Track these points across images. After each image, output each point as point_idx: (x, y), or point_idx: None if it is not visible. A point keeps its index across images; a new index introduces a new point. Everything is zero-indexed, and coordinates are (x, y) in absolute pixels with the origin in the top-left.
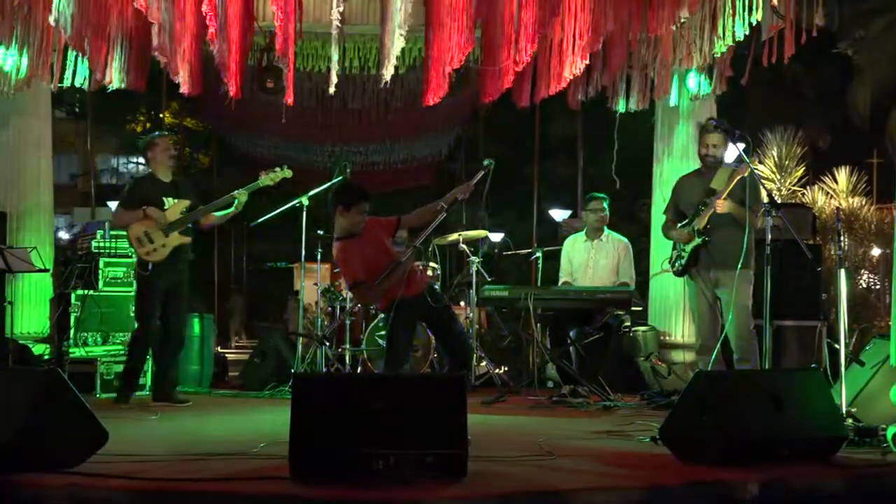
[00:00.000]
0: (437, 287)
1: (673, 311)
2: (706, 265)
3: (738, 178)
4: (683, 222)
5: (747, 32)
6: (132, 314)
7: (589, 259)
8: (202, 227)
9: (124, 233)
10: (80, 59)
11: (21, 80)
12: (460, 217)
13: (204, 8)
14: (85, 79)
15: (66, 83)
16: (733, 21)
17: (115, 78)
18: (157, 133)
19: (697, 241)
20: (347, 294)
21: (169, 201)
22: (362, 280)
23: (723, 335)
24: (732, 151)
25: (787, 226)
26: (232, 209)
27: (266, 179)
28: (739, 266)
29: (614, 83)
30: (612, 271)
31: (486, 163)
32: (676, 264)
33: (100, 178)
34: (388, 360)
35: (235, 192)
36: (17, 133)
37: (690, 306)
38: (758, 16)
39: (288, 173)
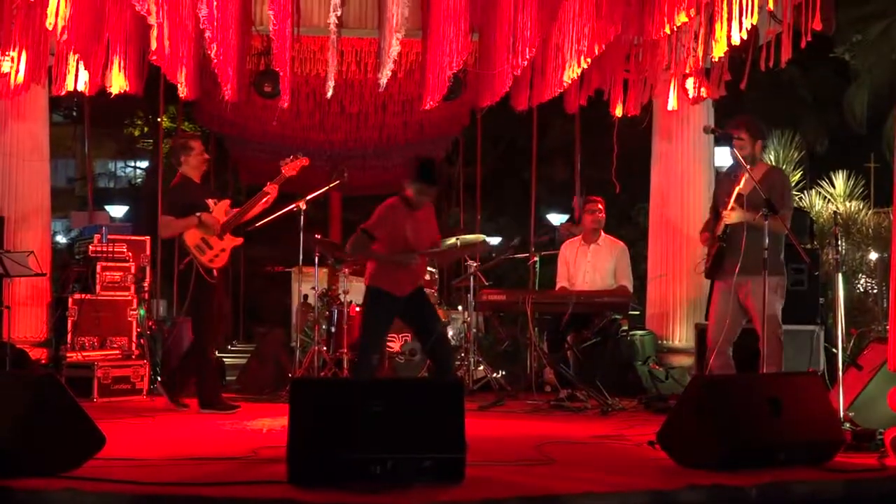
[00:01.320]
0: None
1: (670, 315)
2: (731, 270)
3: (745, 183)
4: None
5: (744, 37)
6: (193, 322)
7: (586, 263)
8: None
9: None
10: (78, 63)
11: (19, 84)
12: (457, 221)
13: (201, 12)
14: (85, 83)
15: (69, 87)
16: (730, 25)
17: (113, 82)
18: (190, 135)
19: (716, 245)
20: (345, 299)
21: (210, 204)
22: (375, 235)
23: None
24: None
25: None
26: (263, 202)
27: (288, 170)
28: (766, 272)
29: (612, 87)
30: (609, 275)
31: (514, 243)
32: (701, 266)
33: (97, 182)
34: (362, 349)
35: (268, 185)
36: (15, 137)
37: (713, 307)
38: (754, 20)
39: (304, 161)
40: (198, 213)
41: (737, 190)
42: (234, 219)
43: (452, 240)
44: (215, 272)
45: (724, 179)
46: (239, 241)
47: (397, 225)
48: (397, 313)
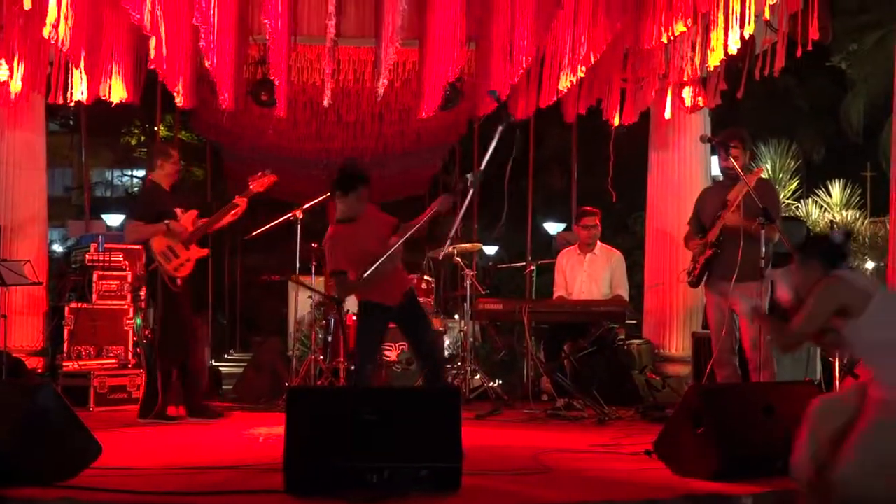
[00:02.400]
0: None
1: (667, 324)
2: (720, 277)
3: (746, 188)
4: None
5: (740, 46)
6: (149, 328)
7: (583, 272)
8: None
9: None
10: (76, 72)
11: (16, 93)
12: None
13: (198, 21)
14: (82, 93)
15: (67, 96)
16: (726, 34)
17: (112, 91)
18: (169, 141)
19: (709, 252)
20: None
21: (179, 212)
22: (343, 270)
23: (737, 345)
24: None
25: (782, 239)
26: (231, 214)
27: (256, 186)
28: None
29: (609, 96)
30: (605, 284)
31: (467, 176)
32: (691, 275)
33: (94, 191)
34: (357, 359)
35: (236, 198)
36: (12, 146)
37: (709, 318)
38: (751, 29)
39: (272, 178)
40: (166, 221)
41: (739, 196)
42: (202, 229)
43: (448, 248)
44: (179, 281)
45: (712, 189)
46: (205, 252)
47: (347, 246)
48: (391, 321)
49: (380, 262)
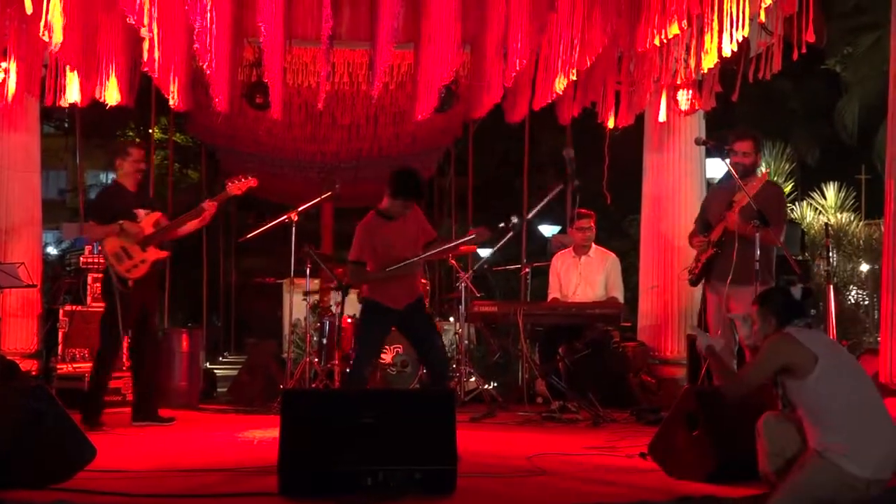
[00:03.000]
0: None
1: (662, 327)
2: (720, 278)
3: (755, 189)
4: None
5: (735, 49)
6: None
7: (577, 275)
8: (174, 237)
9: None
10: (70, 74)
11: (11, 95)
12: (449, 233)
13: (193, 23)
14: (77, 95)
15: (62, 99)
16: (720, 37)
17: (108, 94)
18: (130, 140)
19: (710, 252)
20: (336, 311)
21: (140, 214)
22: (363, 261)
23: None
24: (720, 167)
25: (780, 245)
26: (198, 219)
27: (233, 188)
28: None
29: (603, 99)
30: (600, 286)
31: (512, 218)
32: (691, 273)
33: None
34: (356, 359)
35: (205, 202)
36: (6, 148)
37: (709, 318)
38: (745, 32)
39: (252, 182)
40: (120, 221)
41: (743, 198)
42: (162, 232)
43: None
44: (130, 282)
45: (719, 190)
46: (163, 254)
47: (377, 240)
48: (394, 325)
49: (402, 265)
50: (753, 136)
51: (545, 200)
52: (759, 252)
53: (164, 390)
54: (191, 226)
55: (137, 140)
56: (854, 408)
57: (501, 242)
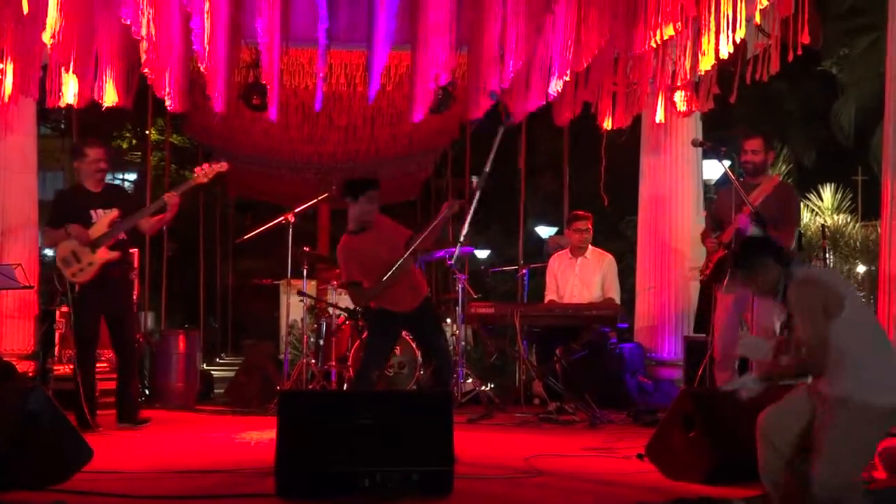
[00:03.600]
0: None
1: (659, 328)
2: (732, 279)
3: (754, 194)
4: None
5: (731, 50)
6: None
7: (574, 276)
8: (146, 234)
9: None
10: (67, 75)
11: (7, 95)
12: (446, 233)
13: (190, 24)
14: (74, 95)
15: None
16: (717, 38)
17: (105, 95)
18: (86, 142)
19: (721, 252)
20: (334, 312)
21: (97, 214)
22: (357, 281)
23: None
24: (717, 168)
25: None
26: (166, 212)
27: (200, 176)
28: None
29: (600, 100)
30: (597, 288)
31: (473, 179)
32: (702, 272)
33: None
34: (364, 364)
35: (166, 195)
36: (2, 149)
37: (717, 319)
38: (742, 33)
39: (222, 166)
40: (67, 224)
41: (758, 198)
42: (114, 231)
43: None
44: (77, 286)
45: (729, 189)
46: (113, 255)
47: (360, 255)
48: (403, 328)
49: (396, 268)
50: (763, 133)
51: (435, 222)
52: None
53: (161, 391)
54: (156, 221)
55: (92, 139)
56: (879, 338)
57: (474, 205)
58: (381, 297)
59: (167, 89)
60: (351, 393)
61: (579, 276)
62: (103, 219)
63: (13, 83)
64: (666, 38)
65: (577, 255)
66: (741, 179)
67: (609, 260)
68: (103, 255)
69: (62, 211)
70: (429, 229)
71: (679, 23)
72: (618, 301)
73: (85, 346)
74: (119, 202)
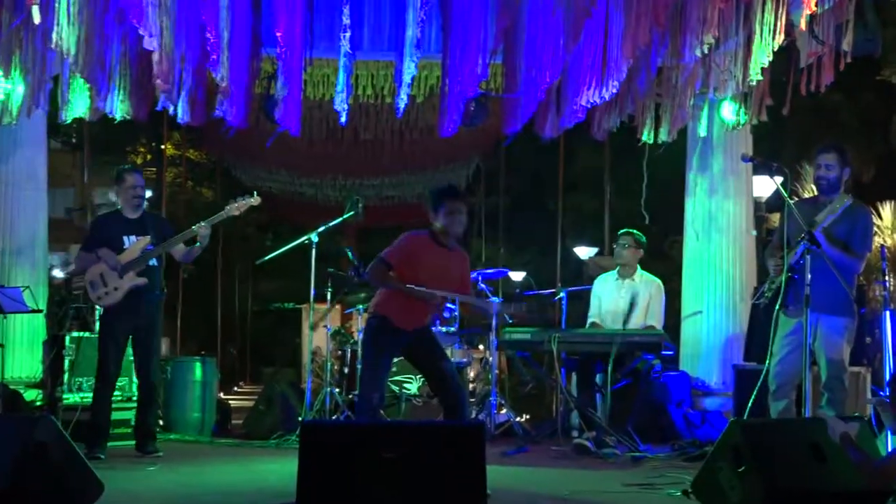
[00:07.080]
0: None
1: (706, 356)
2: (798, 304)
3: (832, 213)
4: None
5: (770, 58)
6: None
7: (619, 300)
8: (180, 262)
9: None
10: (79, 87)
11: (18, 109)
12: (479, 255)
13: (207, 33)
14: (86, 110)
15: (71, 115)
16: (767, 46)
17: (116, 107)
18: (126, 167)
19: (784, 276)
20: (360, 336)
21: (131, 240)
22: (391, 264)
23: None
24: (770, 185)
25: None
26: (198, 244)
27: (232, 209)
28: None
29: (641, 113)
30: (643, 312)
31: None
32: (762, 296)
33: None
34: (361, 389)
35: (196, 225)
36: (11, 164)
37: (777, 345)
38: (780, 39)
39: (256, 201)
40: (97, 250)
41: (816, 218)
42: (144, 259)
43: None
44: (103, 310)
45: (804, 203)
46: (140, 281)
47: (421, 258)
48: (401, 348)
49: (426, 292)
50: (838, 147)
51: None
52: (843, 278)
53: (176, 421)
54: (194, 249)
55: (132, 164)
56: None
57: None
58: (392, 304)
59: (182, 103)
60: (377, 424)
61: (625, 300)
62: (135, 245)
63: (23, 96)
64: (707, 45)
65: (624, 276)
66: (815, 195)
67: (657, 285)
68: (129, 280)
69: (97, 236)
70: (467, 299)
71: (716, 30)
72: (659, 328)
73: (105, 371)
74: (152, 229)
